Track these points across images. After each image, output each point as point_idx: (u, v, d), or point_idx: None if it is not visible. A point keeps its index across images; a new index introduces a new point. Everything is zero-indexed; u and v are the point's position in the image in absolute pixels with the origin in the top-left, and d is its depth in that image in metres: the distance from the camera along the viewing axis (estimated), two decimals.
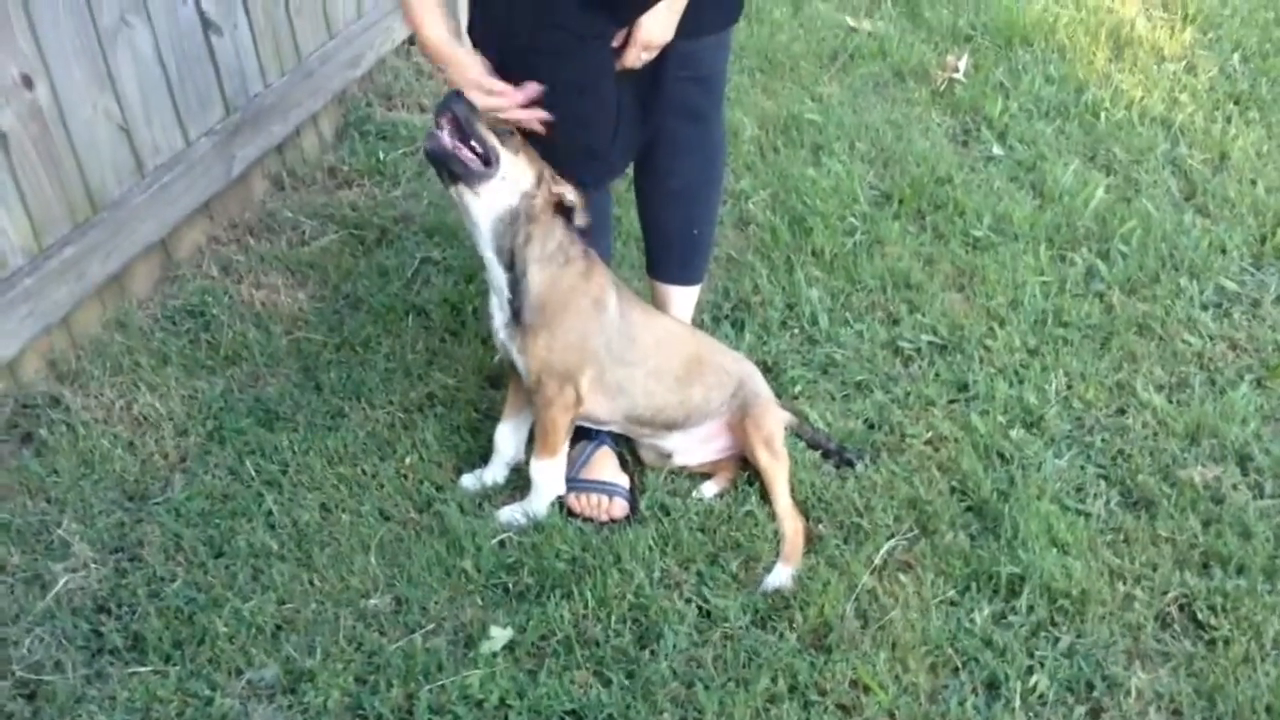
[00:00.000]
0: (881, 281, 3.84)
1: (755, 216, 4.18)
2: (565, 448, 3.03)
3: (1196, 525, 2.94)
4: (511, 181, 2.80)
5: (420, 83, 5.16)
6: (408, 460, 3.21)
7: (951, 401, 3.38)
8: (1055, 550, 2.87)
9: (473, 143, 2.74)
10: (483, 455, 3.24)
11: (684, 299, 3.37)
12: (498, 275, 2.89)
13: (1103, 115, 4.71)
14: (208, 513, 3.04)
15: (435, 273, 3.97)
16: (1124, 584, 2.81)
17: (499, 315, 2.95)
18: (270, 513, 3.04)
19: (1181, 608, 2.77)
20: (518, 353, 2.93)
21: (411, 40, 5.30)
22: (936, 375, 3.47)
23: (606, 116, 2.91)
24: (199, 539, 2.96)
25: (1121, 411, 3.33)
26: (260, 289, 3.89)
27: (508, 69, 2.75)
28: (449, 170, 2.76)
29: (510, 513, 3.04)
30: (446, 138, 2.74)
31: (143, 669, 2.65)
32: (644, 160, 3.14)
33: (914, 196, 4.22)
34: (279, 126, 4.38)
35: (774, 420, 3.12)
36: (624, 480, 3.15)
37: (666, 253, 3.27)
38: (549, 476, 3.02)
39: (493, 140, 2.77)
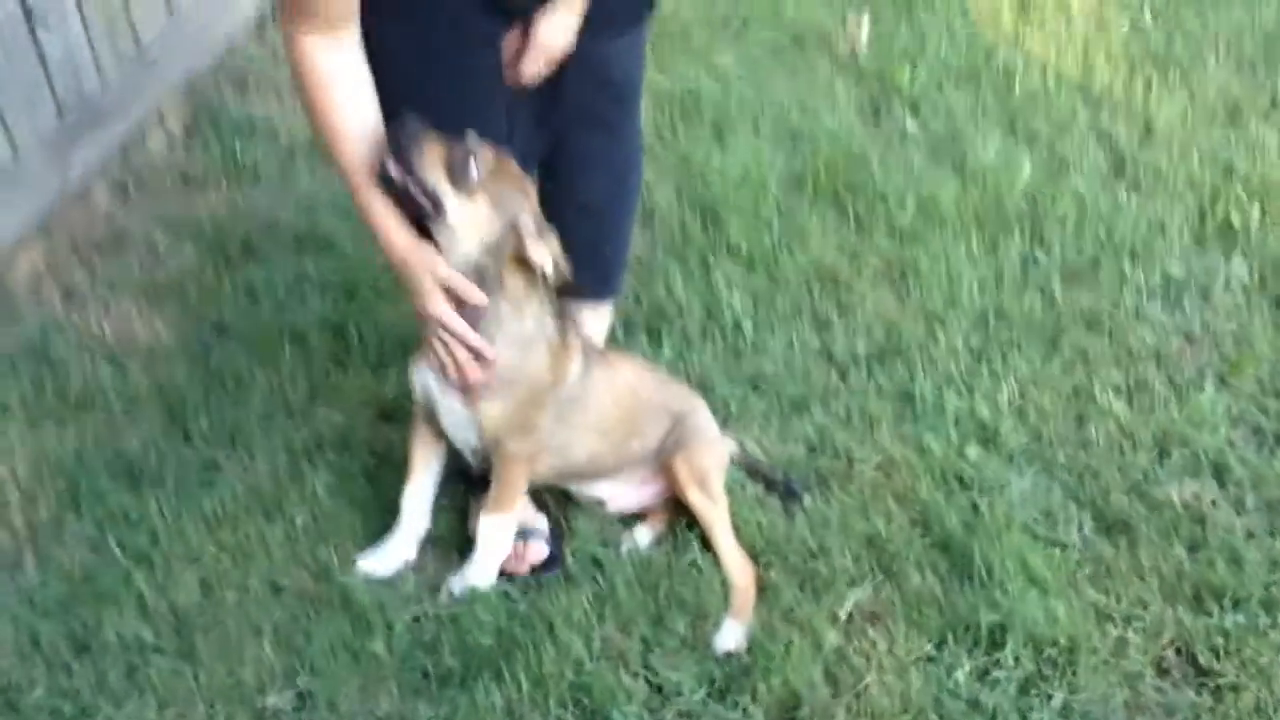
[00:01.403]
0: (806, 280, 3.52)
1: (661, 209, 3.83)
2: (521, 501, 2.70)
3: (1181, 551, 2.68)
4: (463, 235, 2.41)
5: (277, 67, 4.69)
6: (298, 521, 2.81)
7: (898, 418, 3.08)
8: (1035, 590, 2.58)
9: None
10: (381, 508, 2.86)
11: (596, 318, 3.02)
12: None
13: (1017, 82, 4.44)
14: (67, 599, 2.63)
15: (311, 290, 3.55)
16: (1114, 626, 2.54)
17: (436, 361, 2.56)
18: (141, 595, 2.63)
19: (1179, 650, 2.51)
20: (461, 405, 2.55)
21: (263, 19, 4.83)
22: (878, 388, 3.16)
23: (495, 118, 2.54)
24: (59, 634, 2.55)
25: (1081, 420, 3.06)
26: (111, 318, 3.45)
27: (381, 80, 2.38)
28: None
29: (453, 585, 2.66)
30: (393, 169, 2.35)
31: None
32: (547, 170, 2.77)
33: (829, 180, 3.90)
34: (120, 125, 3.92)
35: (711, 459, 2.78)
36: (541, 520, 2.80)
37: (574, 270, 2.91)
38: (500, 535, 2.66)
39: (433, 184, 2.37)
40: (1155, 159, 4.00)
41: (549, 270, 2.46)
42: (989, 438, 3.01)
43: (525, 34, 2.47)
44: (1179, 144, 4.10)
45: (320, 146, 2.53)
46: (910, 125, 4.23)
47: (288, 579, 2.68)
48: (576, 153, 2.74)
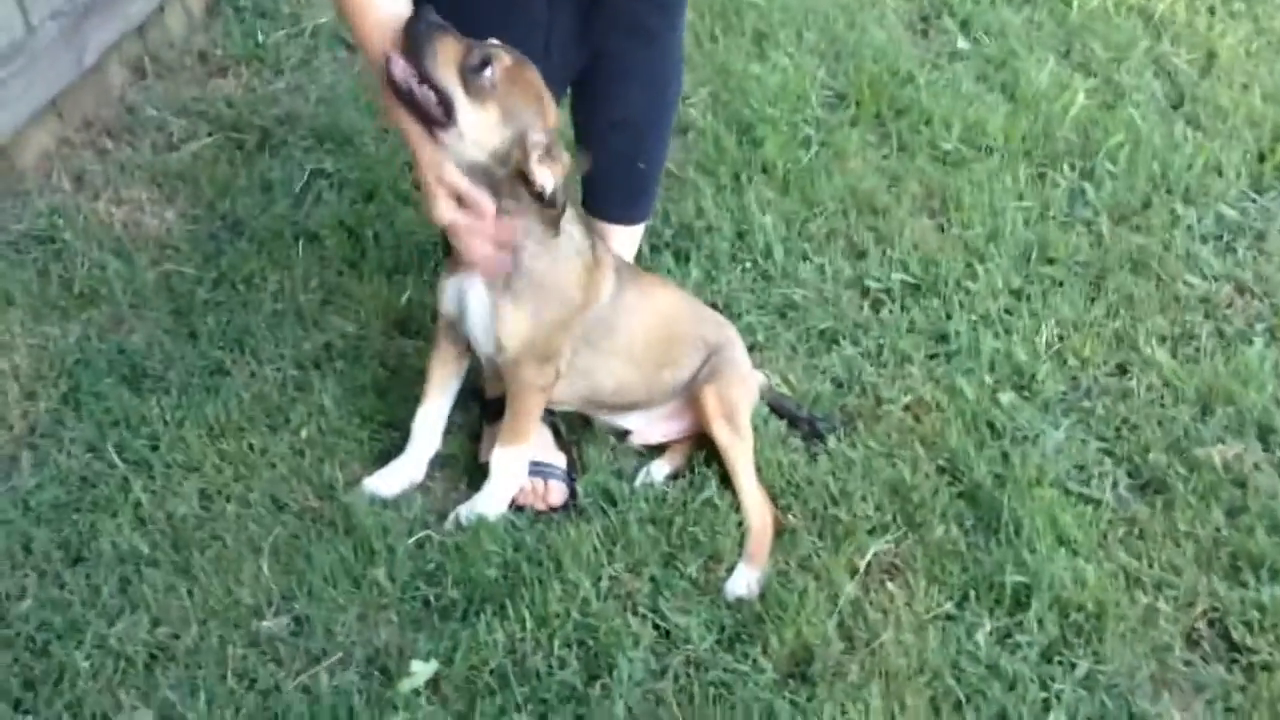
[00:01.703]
0: (843, 204, 3.37)
1: (695, 122, 3.67)
2: (536, 432, 2.59)
3: (1219, 516, 2.57)
4: (473, 140, 2.27)
5: None
6: (303, 432, 2.71)
7: (931, 357, 2.96)
8: (1064, 550, 2.48)
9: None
10: (389, 424, 2.76)
11: (626, 238, 2.88)
12: None
13: (1075, 3, 4.23)
14: (62, 505, 2.53)
15: (328, 188, 3.42)
16: (1144, 593, 2.43)
17: (466, 269, 2.44)
18: (139, 504, 2.54)
19: (1211, 623, 2.40)
20: (487, 314, 2.43)
21: None
22: (911, 324, 3.03)
23: (533, 30, 2.41)
24: (52, 541, 2.46)
25: (1122, 370, 2.94)
26: (121, 206, 3.32)
27: None
28: None
29: (461, 513, 2.56)
30: (399, 68, 2.20)
31: None
32: (582, 84, 2.63)
33: (873, 99, 3.73)
34: (139, 3, 3.74)
35: (741, 393, 2.67)
36: (560, 459, 2.70)
37: (606, 187, 2.77)
38: (516, 467, 2.56)
39: (445, 83, 2.22)
40: (1216, 93, 3.82)
41: (549, 192, 2.32)
42: (1024, 383, 2.89)
43: None
44: (1241, 77, 3.91)
45: (344, 21, 2.37)
46: (961, 43, 4.04)
47: (290, 495, 2.59)
48: (615, 63, 2.58)
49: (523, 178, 2.31)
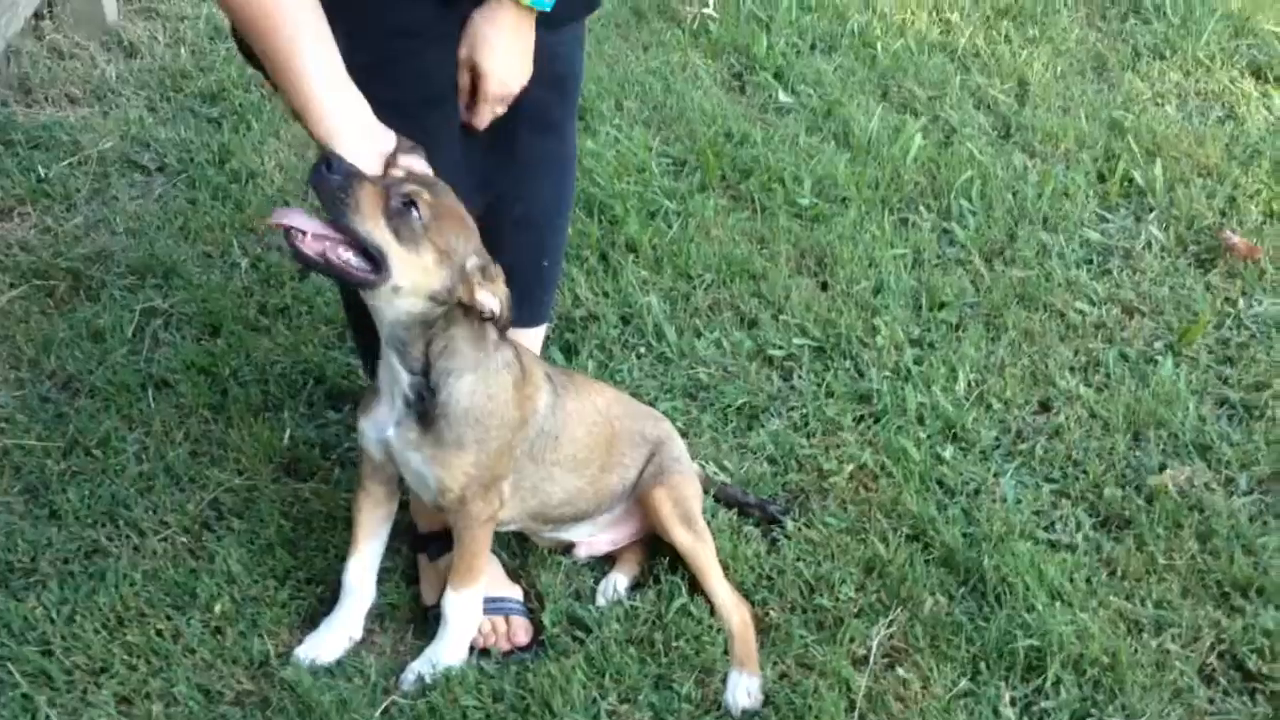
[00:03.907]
0: (720, 274, 3.24)
1: None
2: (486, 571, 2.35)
3: (1192, 544, 2.53)
4: (411, 290, 2.05)
5: (62, 65, 4.13)
6: (216, 607, 2.40)
7: (858, 420, 2.85)
8: (1059, 604, 2.39)
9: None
10: (310, 580, 2.48)
11: (531, 341, 2.67)
12: (400, 377, 2.15)
13: (879, 46, 4.24)
14: None
15: (163, 328, 3.09)
16: (1147, 634, 2.36)
17: (388, 410, 2.20)
18: None
19: (1221, 655, 2.35)
20: (424, 463, 2.20)
21: (38, 14, 4.24)
22: (827, 389, 2.92)
23: (451, 136, 2.22)
24: None
25: (1045, 406, 2.89)
26: None
27: None
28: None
29: (420, 669, 2.30)
30: (309, 241, 1.97)
31: None
32: (490, 182, 2.42)
33: (716, 163, 3.63)
34: None
35: (692, 491, 2.50)
36: (516, 591, 2.47)
37: (511, 289, 2.57)
38: (470, 609, 2.32)
39: (377, 238, 2.00)
40: (1040, 120, 3.86)
41: (498, 313, 2.13)
42: (957, 433, 2.80)
43: (474, 74, 2.15)
44: (1058, 101, 3.98)
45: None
46: (783, 96, 3.99)
47: (220, 682, 2.28)
48: (525, 159, 2.39)
49: (463, 307, 2.11)
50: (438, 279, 2.07)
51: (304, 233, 1.99)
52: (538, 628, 2.41)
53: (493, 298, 2.12)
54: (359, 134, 2.04)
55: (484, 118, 2.21)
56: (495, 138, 2.31)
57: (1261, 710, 2.26)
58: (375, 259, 2.02)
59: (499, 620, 2.38)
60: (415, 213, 2.03)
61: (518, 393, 2.27)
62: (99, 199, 3.55)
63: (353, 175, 2.00)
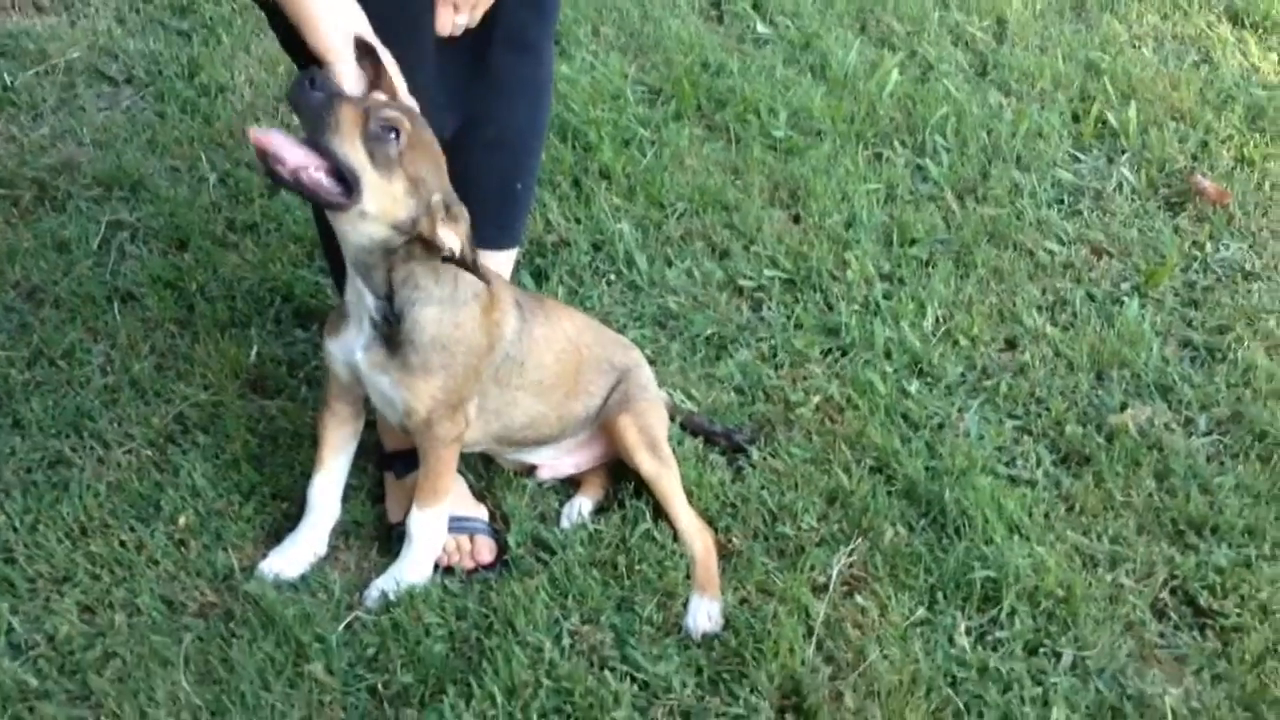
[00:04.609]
0: (693, 204, 3.24)
1: None
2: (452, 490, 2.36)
3: (1151, 483, 2.56)
4: (377, 215, 2.05)
5: None
6: (180, 520, 2.41)
7: (825, 353, 2.86)
8: (1017, 537, 2.42)
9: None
10: (275, 495, 2.48)
11: (502, 263, 2.66)
12: (365, 299, 2.15)
13: None
14: None
15: (129, 241, 3.08)
16: (1102, 569, 2.40)
17: (356, 333, 2.20)
18: (11, 629, 2.21)
19: (1174, 591, 2.38)
20: (391, 387, 2.20)
21: None
22: (798, 321, 2.92)
23: (426, 55, 2.20)
24: None
25: (1011, 344, 2.91)
26: None
27: None
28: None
29: (383, 586, 2.31)
30: (287, 162, 1.95)
31: None
32: (462, 102, 2.40)
33: (692, 92, 3.61)
34: None
35: (658, 419, 2.51)
36: (481, 511, 2.48)
37: (481, 212, 2.52)
38: (435, 528, 2.33)
39: (352, 160, 1.99)
40: (1016, 58, 3.86)
41: (457, 252, 2.12)
42: (924, 369, 2.82)
43: None
44: (1036, 40, 3.97)
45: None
46: (761, 27, 3.97)
47: (184, 594, 2.29)
48: (499, 79, 2.37)
49: (423, 242, 2.11)
50: (404, 208, 2.07)
51: (283, 154, 1.98)
52: (501, 548, 2.42)
53: (454, 236, 2.11)
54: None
55: (445, 22, 2.18)
56: (471, 57, 2.30)
57: (1211, 645, 2.29)
58: (348, 181, 2.01)
59: (463, 539, 2.39)
60: (394, 138, 2.03)
61: (485, 318, 2.27)
62: (65, 109, 3.52)
63: (335, 94, 1.99)
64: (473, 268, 2.16)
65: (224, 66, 3.65)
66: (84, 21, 3.87)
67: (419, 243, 2.12)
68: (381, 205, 2.04)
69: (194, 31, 3.85)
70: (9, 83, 3.56)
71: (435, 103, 2.21)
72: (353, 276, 2.17)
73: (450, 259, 2.13)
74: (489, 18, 2.23)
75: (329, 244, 2.36)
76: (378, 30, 2.08)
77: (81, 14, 3.91)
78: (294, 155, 1.98)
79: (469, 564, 2.38)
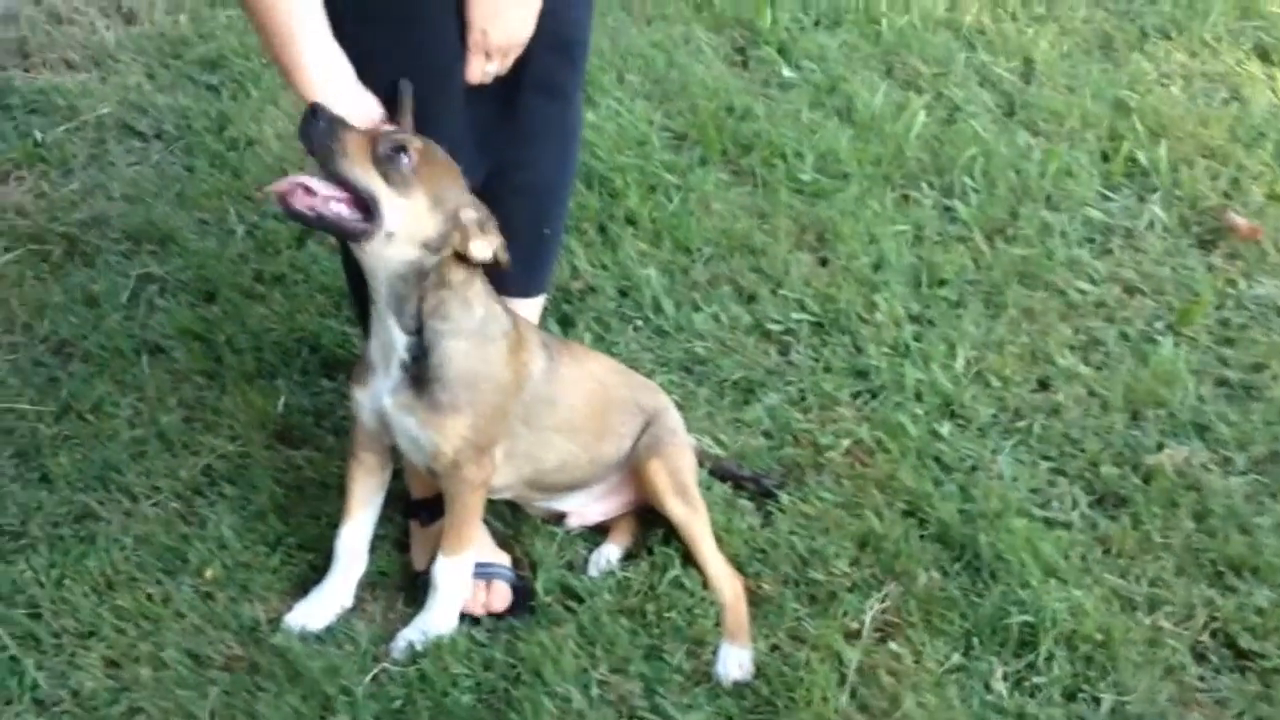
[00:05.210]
0: (719, 248, 3.23)
1: None
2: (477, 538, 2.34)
3: (1188, 524, 2.52)
4: (404, 236, 2.06)
5: (61, 30, 4.12)
6: (208, 573, 2.40)
7: (855, 395, 2.83)
8: (1054, 581, 2.38)
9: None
10: (301, 546, 2.47)
11: (529, 312, 2.65)
12: (394, 336, 2.15)
13: (884, 22, 4.21)
14: None
15: (159, 294, 3.09)
16: (1140, 612, 2.35)
17: (383, 378, 2.20)
18: (36, 685, 2.19)
19: (1214, 634, 2.33)
20: (419, 427, 2.20)
21: None
22: (826, 365, 2.90)
23: (456, 101, 2.22)
24: None
25: (1044, 385, 2.87)
26: None
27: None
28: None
29: (410, 637, 2.29)
30: (299, 199, 1.97)
31: None
32: (488, 147, 2.40)
33: (717, 137, 3.61)
34: None
35: (687, 463, 2.48)
36: (504, 558, 2.45)
37: (510, 258, 2.55)
38: (460, 576, 2.31)
39: (365, 181, 2.00)
40: (1044, 98, 3.83)
41: (489, 253, 2.16)
42: (955, 410, 2.79)
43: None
44: (1063, 80, 3.95)
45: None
46: (786, 71, 3.96)
47: (210, 647, 2.28)
48: (528, 125, 2.37)
49: (458, 257, 2.11)
50: (430, 224, 2.08)
51: (297, 193, 2.00)
52: (518, 595, 2.39)
53: (487, 247, 2.13)
54: (344, 90, 2.06)
55: (475, 71, 2.19)
56: (500, 103, 2.30)
57: (1253, 688, 2.25)
58: (367, 208, 2.01)
59: (479, 585, 2.37)
60: (404, 157, 2.04)
61: (512, 357, 2.27)
62: (96, 165, 3.54)
63: (336, 120, 2.02)
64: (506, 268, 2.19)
65: (252, 120, 3.67)
66: (114, 78, 3.91)
67: (452, 261, 2.12)
68: (404, 223, 2.05)
69: (223, 86, 3.88)
70: (40, 139, 3.59)
71: (465, 151, 2.22)
72: (383, 315, 2.17)
73: (487, 266, 2.16)
74: (518, 63, 2.25)
75: (357, 290, 2.36)
76: (410, 79, 2.11)
77: (112, 70, 3.95)
78: (317, 186, 2.02)
79: (478, 611, 2.36)
